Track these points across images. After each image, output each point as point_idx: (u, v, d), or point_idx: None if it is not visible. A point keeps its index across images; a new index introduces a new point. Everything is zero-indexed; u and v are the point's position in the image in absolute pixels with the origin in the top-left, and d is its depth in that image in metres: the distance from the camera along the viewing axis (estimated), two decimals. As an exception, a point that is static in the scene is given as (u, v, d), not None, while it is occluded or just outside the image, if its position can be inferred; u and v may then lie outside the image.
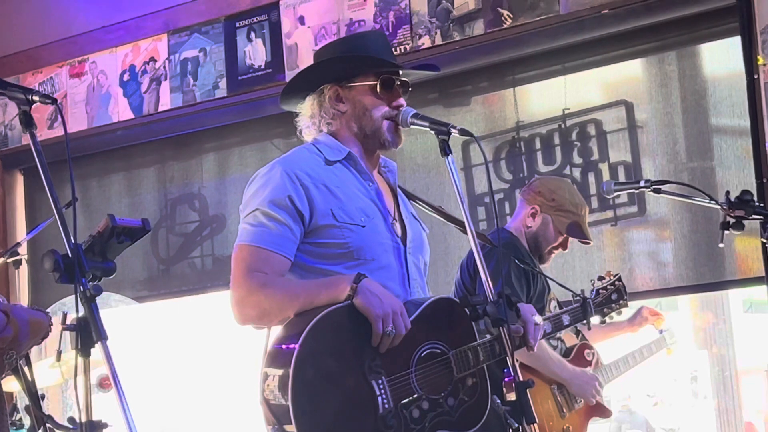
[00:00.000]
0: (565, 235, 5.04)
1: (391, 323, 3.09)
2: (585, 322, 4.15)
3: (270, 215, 3.27)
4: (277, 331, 3.18)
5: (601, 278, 4.47)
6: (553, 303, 4.92)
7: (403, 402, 3.12)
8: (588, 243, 5.14)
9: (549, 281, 4.86)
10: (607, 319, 4.40)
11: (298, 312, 3.13)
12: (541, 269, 5.05)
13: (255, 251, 3.25)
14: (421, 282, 3.51)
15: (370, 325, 3.08)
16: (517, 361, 3.26)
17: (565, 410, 4.85)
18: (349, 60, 3.54)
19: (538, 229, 5.03)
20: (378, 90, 3.49)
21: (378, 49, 3.58)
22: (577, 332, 5.18)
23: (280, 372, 3.02)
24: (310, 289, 3.19)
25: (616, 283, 4.45)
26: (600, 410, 5.08)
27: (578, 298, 4.17)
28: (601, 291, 4.37)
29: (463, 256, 5.11)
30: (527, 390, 3.14)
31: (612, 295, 4.38)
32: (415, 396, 3.15)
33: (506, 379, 3.13)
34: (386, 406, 3.07)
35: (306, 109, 3.58)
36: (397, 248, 3.44)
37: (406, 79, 3.57)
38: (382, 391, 3.07)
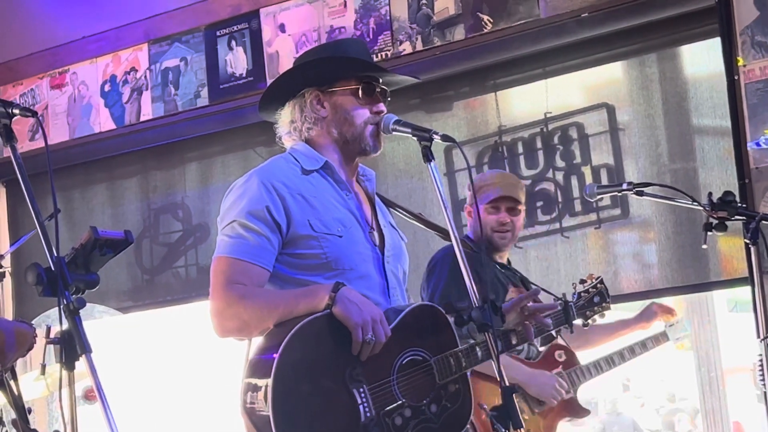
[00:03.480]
0: (489, 206, 5.00)
1: (371, 331, 3.09)
2: (567, 325, 4.15)
3: (248, 226, 3.26)
4: (257, 341, 3.17)
5: (582, 281, 4.46)
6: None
7: (385, 410, 3.11)
8: (504, 200, 5.04)
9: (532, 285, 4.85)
10: (589, 321, 4.39)
11: (278, 322, 3.13)
12: (513, 268, 5.03)
13: (234, 263, 3.24)
14: (401, 291, 3.51)
15: (349, 333, 3.08)
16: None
17: (525, 415, 4.78)
18: (332, 61, 3.53)
19: (475, 222, 5.02)
20: (360, 95, 3.48)
21: (358, 55, 3.58)
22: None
23: (260, 382, 3.02)
24: (289, 299, 3.18)
25: (598, 285, 4.44)
26: (573, 410, 5.01)
27: (560, 301, 4.16)
28: (582, 294, 4.36)
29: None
30: (513, 395, 3.14)
31: (594, 298, 4.37)
32: (397, 404, 3.15)
33: None
34: (368, 414, 3.07)
35: (286, 115, 3.55)
36: (376, 258, 3.43)
37: (386, 87, 3.57)
38: (364, 400, 3.07)
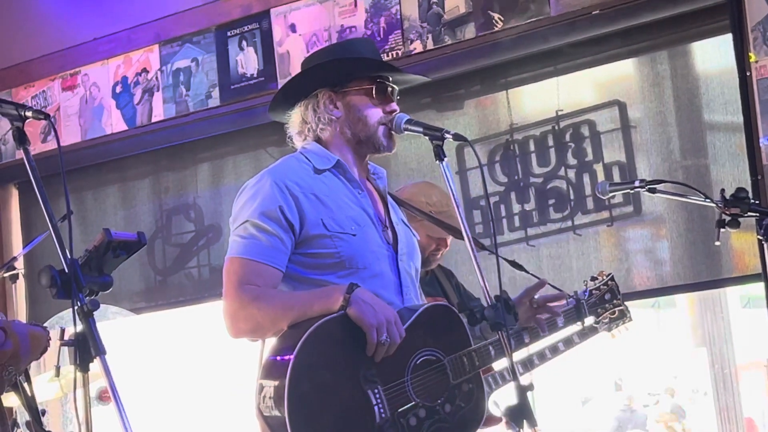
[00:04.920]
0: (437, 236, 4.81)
1: (386, 332, 3.09)
2: (579, 323, 4.14)
3: (261, 227, 3.25)
4: (271, 342, 3.17)
5: (593, 278, 4.44)
6: None
7: (399, 410, 3.12)
8: (447, 237, 4.59)
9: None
10: (601, 319, 4.36)
11: (292, 324, 3.12)
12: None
13: (246, 264, 3.23)
14: (414, 289, 3.50)
15: (364, 334, 3.08)
16: None
17: None
18: (346, 62, 3.52)
19: None
20: (373, 94, 3.47)
21: (369, 54, 3.58)
22: None
23: (275, 384, 3.02)
24: (303, 300, 3.18)
25: (609, 282, 4.41)
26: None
27: (572, 299, 4.15)
28: (594, 291, 4.33)
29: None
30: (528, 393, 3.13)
31: (605, 295, 4.35)
32: (411, 404, 3.15)
33: None
34: (383, 415, 3.07)
35: (297, 116, 3.55)
36: (390, 256, 3.43)
37: (395, 87, 3.56)
38: (379, 401, 3.07)
